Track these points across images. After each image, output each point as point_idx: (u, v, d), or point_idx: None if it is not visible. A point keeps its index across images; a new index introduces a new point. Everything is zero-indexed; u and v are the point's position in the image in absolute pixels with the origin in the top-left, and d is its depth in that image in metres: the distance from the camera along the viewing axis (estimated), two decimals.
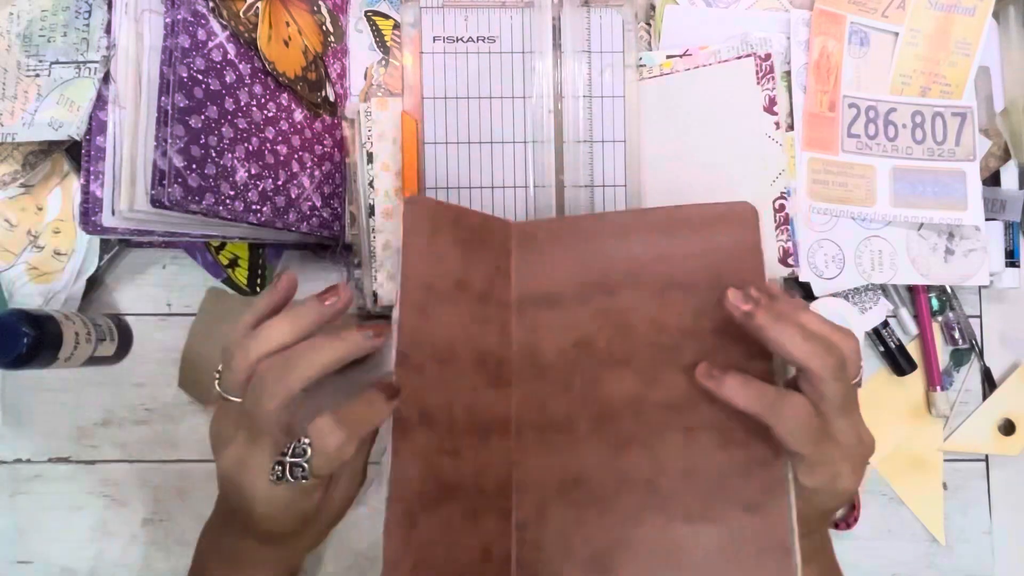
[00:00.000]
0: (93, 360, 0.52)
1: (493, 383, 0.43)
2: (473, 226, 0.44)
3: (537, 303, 0.44)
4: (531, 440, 0.42)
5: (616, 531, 0.40)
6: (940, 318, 0.58)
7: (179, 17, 0.42)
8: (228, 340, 0.39)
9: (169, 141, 0.41)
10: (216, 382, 0.39)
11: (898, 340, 0.57)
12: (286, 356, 0.36)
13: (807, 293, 0.55)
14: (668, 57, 0.54)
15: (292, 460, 0.36)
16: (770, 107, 0.53)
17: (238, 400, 0.38)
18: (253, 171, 0.46)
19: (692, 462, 0.40)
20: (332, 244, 0.55)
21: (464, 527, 0.40)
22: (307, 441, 0.36)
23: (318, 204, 0.52)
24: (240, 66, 0.46)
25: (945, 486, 0.58)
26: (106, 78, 0.45)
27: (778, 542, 0.38)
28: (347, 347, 0.37)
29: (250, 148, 0.46)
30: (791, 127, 0.54)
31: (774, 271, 0.52)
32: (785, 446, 0.37)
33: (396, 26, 0.56)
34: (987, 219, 0.55)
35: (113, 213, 0.44)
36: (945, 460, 0.58)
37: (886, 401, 0.58)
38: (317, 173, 0.52)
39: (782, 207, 0.52)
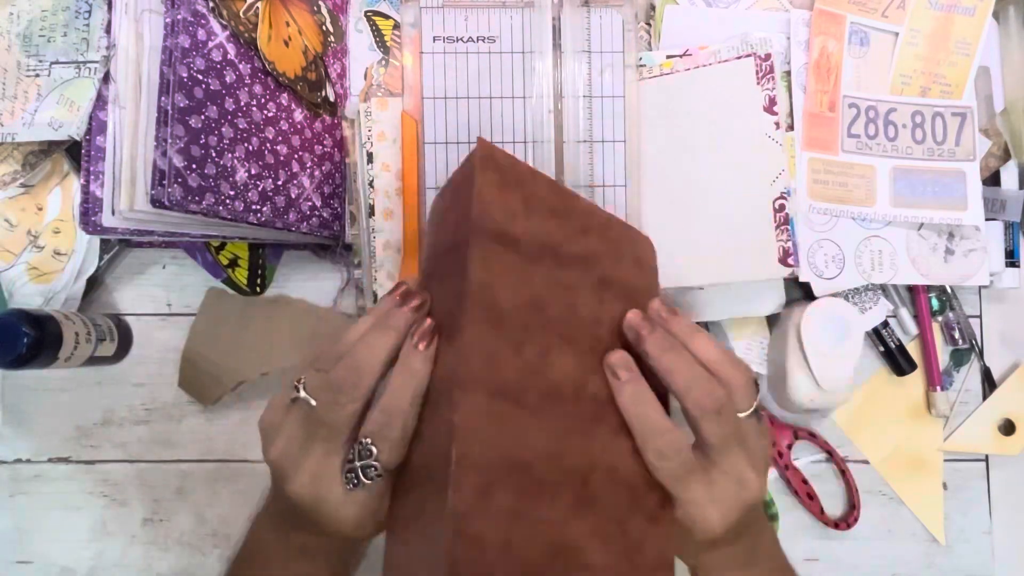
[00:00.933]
0: (93, 360, 0.52)
1: (448, 336, 0.36)
2: (450, 184, 0.42)
3: (495, 238, 0.37)
4: (480, 405, 0.34)
5: (554, 533, 0.35)
6: (940, 318, 0.58)
7: (179, 17, 0.42)
8: (330, 345, 0.38)
9: (169, 141, 0.41)
10: (300, 385, 0.37)
11: (898, 340, 0.57)
12: (353, 360, 0.36)
13: (807, 293, 0.55)
14: (668, 57, 0.54)
15: (361, 463, 0.36)
16: (770, 107, 0.53)
17: (315, 404, 0.36)
18: (253, 171, 0.46)
19: (616, 462, 0.37)
20: (332, 244, 0.55)
21: None
22: (368, 440, 0.35)
23: (318, 204, 0.52)
24: (240, 66, 0.46)
25: (945, 486, 0.58)
26: (106, 78, 0.45)
27: (667, 560, 0.37)
28: (395, 330, 0.37)
29: (250, 148, 0.46)
30: (791, 127, 0.54)
31: (774, 271, 0.52)
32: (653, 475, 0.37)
33: (396, 26, 0.56)
34: (987, 219, 0.55)
35: (113, 213, 0.44)
36: (945, 460, 0.58)
37: (886, 401, 0.58)
38: (317, 173, 0.52)
39: (782, 207, 0.52)
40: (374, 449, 0.35)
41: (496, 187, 0.38)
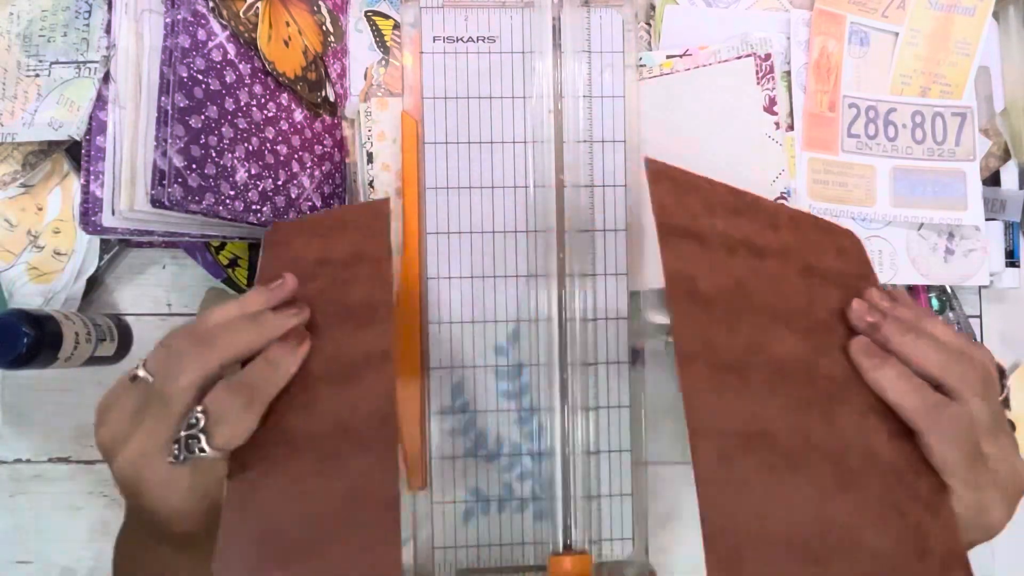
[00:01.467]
0: (93, 360, 0.52)
1: (362, 325, 0.39)
2: (329, 220, 0.45)
3: (681, 235, 0.39)
4: (703, 375, 0.35)
5: (813, 507, 0.33)
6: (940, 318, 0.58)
7: (179, 17, 0.42)
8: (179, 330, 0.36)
9: (169, 141, 0.41)
10: (140, 365, 0.35)
11: None
12: (204, 333, 0.35)
13: None
14: (668, 57, 0.54)
15: (187, 433, 0.33)
16: (770, 107, 0.53)
17: (151, 379, 0.34)
18: (253, 171, 0.46)
19: (872, 445, 0.35)
20: None
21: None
22: (200, 409, 0.33)
23: (318, 204, 0.52)
24: (240, 66, 0.46)
25: None
26: (106, 78, 0.45)
27: (959, 556, 0.33)
28: (265, 330, 0.36)
29: (250, 148, 0.46)
30: (791, 127, 0.54)
31: None
32: (934, 460, 0.33)
33: (396, 26, 0.56)
34: (987, 219, 0.55)
35: (113, 213, 0.44)
36: None
37: None
38: (317, 173, 0.52)
39: None
40: (201, 418, 0.33)
41: (672, 193, 0.40)
